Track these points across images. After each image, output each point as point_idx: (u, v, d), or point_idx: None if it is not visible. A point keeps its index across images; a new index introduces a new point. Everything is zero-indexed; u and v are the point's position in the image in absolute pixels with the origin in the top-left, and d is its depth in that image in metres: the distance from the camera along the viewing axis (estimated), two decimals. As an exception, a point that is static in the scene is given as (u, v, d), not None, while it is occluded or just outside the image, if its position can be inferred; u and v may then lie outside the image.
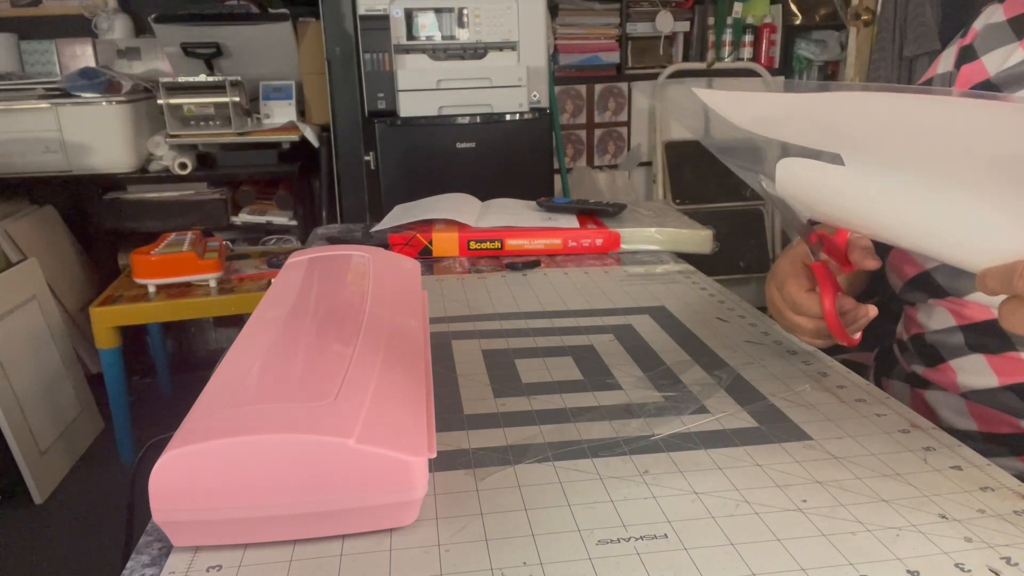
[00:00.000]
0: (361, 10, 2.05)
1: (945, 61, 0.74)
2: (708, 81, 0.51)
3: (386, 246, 1.02)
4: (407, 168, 2.14)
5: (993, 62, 0.68)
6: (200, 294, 1.99)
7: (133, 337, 2.47)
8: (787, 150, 0.51)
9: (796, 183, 0.52)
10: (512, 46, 2.14)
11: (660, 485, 0.50)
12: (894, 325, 0.80)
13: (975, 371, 0.66)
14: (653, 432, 0.57)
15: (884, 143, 0.44)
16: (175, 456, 0.41)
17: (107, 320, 1.96)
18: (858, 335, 0.62)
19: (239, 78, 2.28)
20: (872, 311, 0.61)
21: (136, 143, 2.27)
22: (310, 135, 2.31)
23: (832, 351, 0.70)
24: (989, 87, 0.67)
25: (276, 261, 2.25)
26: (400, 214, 1.13)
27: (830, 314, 0.61)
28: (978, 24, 0.72)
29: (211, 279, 2.00)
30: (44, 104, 2.18)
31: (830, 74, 3.02)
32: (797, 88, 0.45)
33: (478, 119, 2.14)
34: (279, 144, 2.35)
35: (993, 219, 0.42)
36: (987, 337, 0.65)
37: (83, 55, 2.63)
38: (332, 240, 1.13)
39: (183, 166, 2.29)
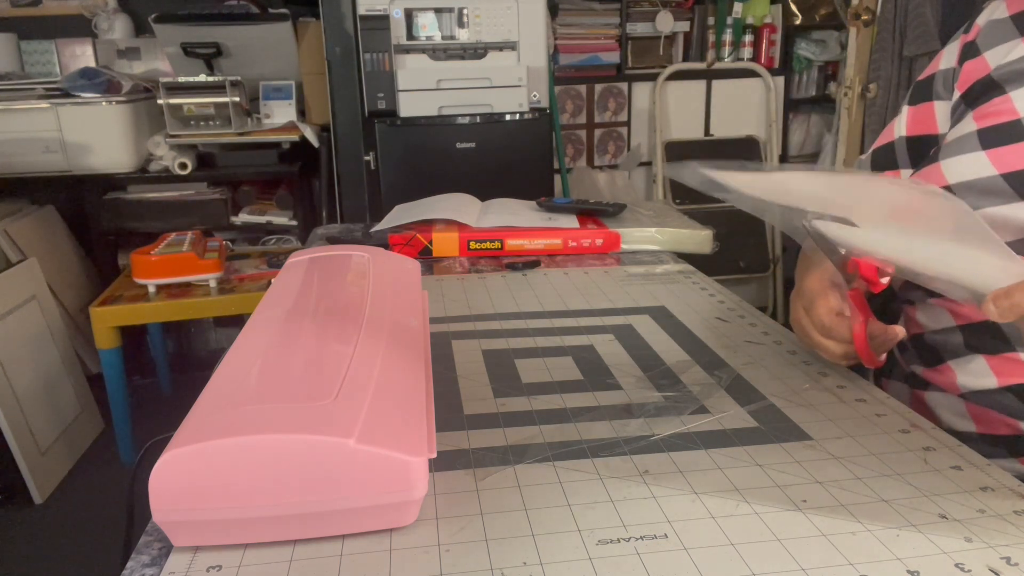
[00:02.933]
0: (361, 10, 2.05)
1: (948, 57, 0.74)
2: (717, 164, 0.58)
3: (386, 246, 1.02)
4: (407, 168, 2.14)
5: (995, 57, 0.68)
6: (200, 294, 1.99)
7: (133, 337, 2.47)
8: (795, 212, 0.60)
9: (827, 231, 0.59)
10: (512, 46, 2.14)
11: (660, 485, 0.50)
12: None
13: (974, 372, 0.66)
14: (653, 432, 0.57)
15: (871, 215, 0.56)
16: (175, 456, 0.41)
17: (107, 320, 1.96)
18: (883, 356, 0.63)
19: (239, 78, 2.28)
20: (900, 333, 0.61)
21: (136, 143, 2.27)
22: (310, 135, 2.31)
23: None
24: (990, 82, 0.67)
25: (276, 261, 2.25)
26: (400, 214, 1.13)
27: (860, 340, 0.61)
28: (981, 20, 0.72)
29: (211, 279, 2.00)
30: (44, 104, 2.18)
31: (830, 74, 3.02)
32: (788, 169, 0.58)
33: (478, 119, 2.14)
34: (279, 144, 2.35)
35: (980, 264, 0.48)
36: (986, 337, 0.65)
37: (83, 55, 2.63)
38: (332, 240, 1.13)
39: (183, 166, 2.29)
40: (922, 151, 0.74)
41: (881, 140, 0.80)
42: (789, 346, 0.73)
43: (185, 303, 1.97)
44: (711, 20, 2.87)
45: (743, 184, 0.58)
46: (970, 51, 0.71)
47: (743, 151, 2.94)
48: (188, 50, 2.36)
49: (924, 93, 0.75)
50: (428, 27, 2.10)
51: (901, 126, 0.77)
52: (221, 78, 2.25)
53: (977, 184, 0.63)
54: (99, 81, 2.22)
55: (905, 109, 0.78)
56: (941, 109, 0.73)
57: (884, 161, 0.79)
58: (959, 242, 0.49)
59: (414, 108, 2.11)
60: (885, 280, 0.58)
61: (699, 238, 1.07)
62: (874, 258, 0.58)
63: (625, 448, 0.54)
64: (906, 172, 0.76)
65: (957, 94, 0.71)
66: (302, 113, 2.45)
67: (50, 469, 1.98)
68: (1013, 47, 0.67)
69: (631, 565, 0.42)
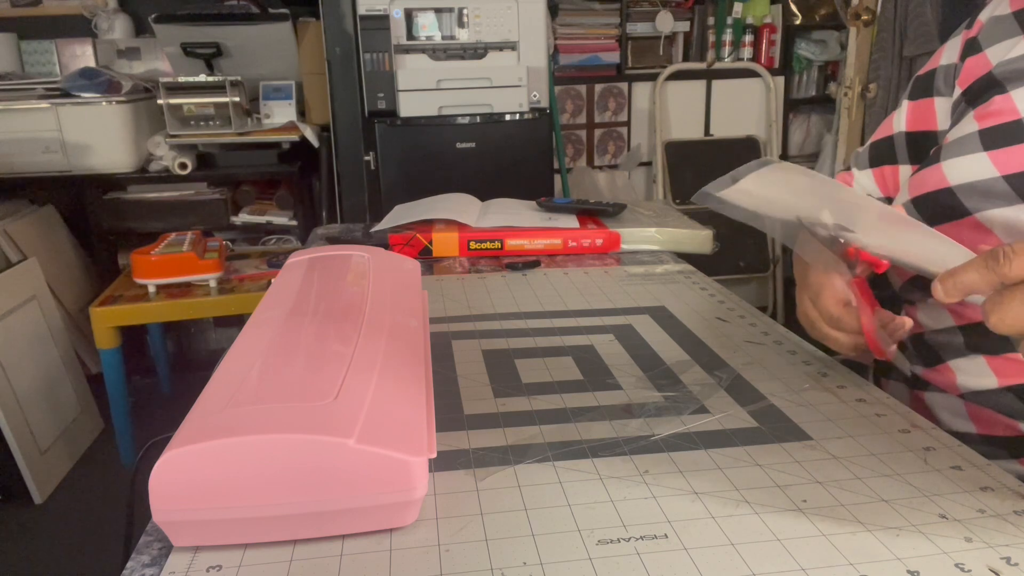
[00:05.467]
0: (361, 10, 2.05)
1: (949, 52, 0.73)
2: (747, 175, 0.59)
3: (386, 246, 1.02)
4: (407, 168, 2.14)
5: (996, 54, 0.68)
6: (200, 294, 1.99)
7: (133, 337, 2.47)
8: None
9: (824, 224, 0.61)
10: (512, 46, 2.14)
11: (660, 485, 0.50)
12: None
13: (974, 372, 0.66)
14: (653, 432, 0.57)
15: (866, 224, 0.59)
16: (175, 456, 0.41)
17: (107, 320, 1.96)
18: (894, 347, 0.63)
19: (239, 78, 2.28)
20: (908, 323, 0.61)
21: (136, 143, 2.27)
22: (310, 135, 2.31)
23: (831, 350, 0.70)
24: (991, 80, 0.67)
25: (276, 261, 2.25)
26: (400, 214, 1.13)
27: (869, 331, 0.61)
28: (983, 16, 0.71)
29: (211, 279, 2.00)
30: (44, 104, 2.18)
31: (830, 74, 3.02)
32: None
33: (478, 119, 2.14)
34: (279, 144, 2.35)
35: (941, 250, 0.49)
36: (987, 338, 0.65)
37: (83, 55, 2.63)
38: (332, 240, 1.13)
39: (183, 166, 2.29)
40: (922, 147, 0.74)
41: (880, 133, 0.80)
42: (789, 346, 0.73)
43: (185, 303, 1.97)
44: (711, 20, 2.87)
45: (740, 199, 0.58)
46: (972, 47, 0.70)
47: (743, 151, 2.94)
48: (188, 50, 2.36)
49: (924, 88, 0.75)
50: (428, 27, 2.10)
51: (901, 121, 0.77)
52: (221, 78, 2.25)
53: (979, 186, 0.63)
54: (99, 81, 2.22)
55: (905, 104, 0.77)
56: (941, 105, 0.73)
57: (883, 155, 0.78)
58: (935, 244, 0.50)
59: (414, 108, 2.11)
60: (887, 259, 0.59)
61: (699, 238, 1.07)
62: (870, 253, 0.59)
63: (625, 448, 0.54)
64: (905, 168, 0.76)
65: (958, 90, 0.71)
66: (302, 113, 2.46)
67: (50, 469, 1.98)
68: (1014, 44, 0.66)
69: (631, 565, 0.42)
